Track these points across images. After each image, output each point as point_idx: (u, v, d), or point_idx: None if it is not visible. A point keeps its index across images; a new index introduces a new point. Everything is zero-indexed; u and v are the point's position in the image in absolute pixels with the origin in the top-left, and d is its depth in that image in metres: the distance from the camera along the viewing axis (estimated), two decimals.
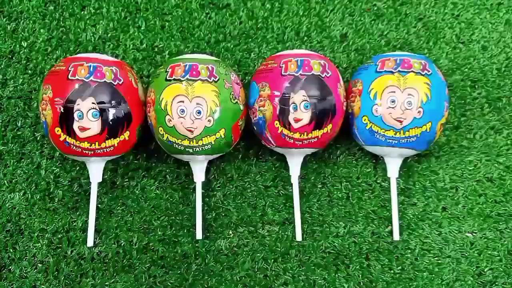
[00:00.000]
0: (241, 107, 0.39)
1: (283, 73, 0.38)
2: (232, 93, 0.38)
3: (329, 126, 0.39)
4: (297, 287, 0.42)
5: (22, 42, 0.46)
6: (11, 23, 0.47)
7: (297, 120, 0.38)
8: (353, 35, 0.47)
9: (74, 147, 0.37)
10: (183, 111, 0.36)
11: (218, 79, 0.37)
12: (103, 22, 0.47)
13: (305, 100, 0.38)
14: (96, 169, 0.40)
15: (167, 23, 0.47)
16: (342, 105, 0.40)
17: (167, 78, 0.37)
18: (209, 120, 0.37)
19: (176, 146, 0.38)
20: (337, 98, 0.39)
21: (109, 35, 0.46)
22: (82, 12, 0.47)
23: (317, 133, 0.39)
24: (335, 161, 0.45)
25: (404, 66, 0.38)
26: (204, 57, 0.39)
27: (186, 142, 0.38)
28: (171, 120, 0.37)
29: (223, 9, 0.47)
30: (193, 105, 0.36)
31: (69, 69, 0.37)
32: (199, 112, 0.37)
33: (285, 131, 0.38)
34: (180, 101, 0.37)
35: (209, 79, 0.37)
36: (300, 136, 0.39)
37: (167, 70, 0.38)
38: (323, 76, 0.38)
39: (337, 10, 0.48)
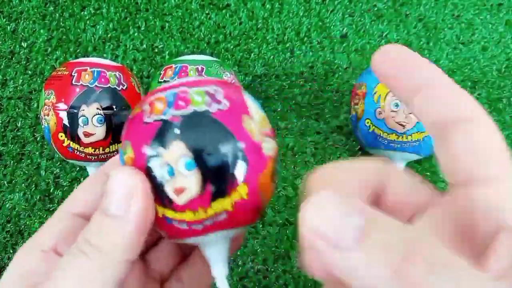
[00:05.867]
0: None
1: None
2: None
3: (242, 189, 0.19)
4: None
5: (22, 43, 0.46)
6: (11, 23, 0.47)
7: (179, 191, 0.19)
8: (353, 35, 0.47)
9: (78, 152, 0.37)
10: None
11: None
12: (103, 22, 0.47)
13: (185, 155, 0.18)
14: None
15: (167, 24, 0.47)
16: (258, 148, 0.19)
17: (159, 80, 0.38)
18: None
19: None
20: (243, 139, 0.19)
21: (109, 35, 0.46)
22: (82, 12, 0.47)
23: (220, 205, 0.19)
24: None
25: None
26: (199, 58, 0.39)
27: None
28: None
29: (223, 9, 0.47)
30: None
31: (72, 74, 0.37)
32: None
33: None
34: None
35: None
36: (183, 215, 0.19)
37: (161, 72, 0.38)
38: (212, 112, 0.19)
39: (337, 10, 0.48)
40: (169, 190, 0.18)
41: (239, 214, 0.19)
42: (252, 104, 0.20)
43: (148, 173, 0.18)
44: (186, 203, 0.18)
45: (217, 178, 0.18)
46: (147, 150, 0.18)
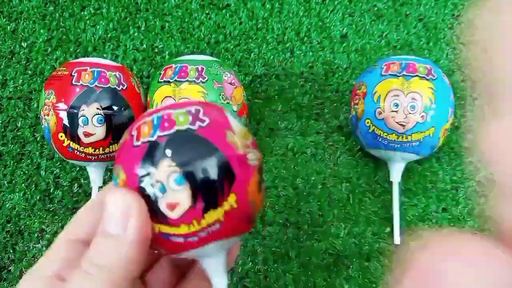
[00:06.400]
0: (235, 107, 0.39)
1: None
2: (222, 93, 0.38)
3: (231, 199, 0.19)
4: None
5: (22, 43, 0.46)
6: (11, 23, 0.47)
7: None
8: (353, 35, 0.47)
9: (78, 153, 0.37)
10: None
11: (207, 80, 0.37)
12: (103, 22, 0.47)
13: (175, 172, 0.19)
14: (97, 174, 0.40)
15: (167, 24, 0.47)
16: (243, 159, 0.20)
17: (159, 80, 0.38)
18: None
19: None
20: (228, 152, 0.20)
21: (109, 35, 0.46)
22: (82, 13, 0.47)
23: (212, 216, 0.19)
24: (335, 162, 0.45)
25: (409, 70, 0.38)
26: (199, 58, 0.39)
27: None
28: None
29: (223, 9, 0.47)
30: None
31: (72, 74, 0.37)
32: None
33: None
34: (168, 103, 0.37)
35: (196, 80, 0.37)
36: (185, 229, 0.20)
37: (161, 72, 0.38)
38: (195, 129, 0.20)
39: (337, 10, 0.48)
40: (162, 206, 0.19)
41: (231, 224, 0.20)
42: (233, 120, 0.21)
43: (141, 192, 0.19)
44: (180, 217, 0.19)
45: (206, 190, 0.19)
46: (138, 171, 0.19)
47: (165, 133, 0.20)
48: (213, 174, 0.19)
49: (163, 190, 0.19)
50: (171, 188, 0.19)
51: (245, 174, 0.20)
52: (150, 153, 0.19)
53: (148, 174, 0.19)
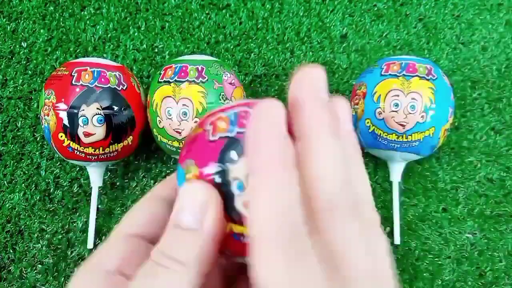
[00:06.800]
0: None
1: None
2: (222, 93, 0.38)
3: None
4: None
5: (22, 43, 0.46)
6: (11, 23, 0.47)
7: None
8: (353, 35, 0.47)
9: (78, 152, 0.37)
10: (170, 112, 0.37)
11: (207, 80, 0.37)
12: (103, 22, 0.47)
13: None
14: (97, 174, 0.40)
15: (167, 24, 0.47)
16: None
17: (159, 80, 0.38)
18: (195, 122, 0.37)
19: (169, 147, 0.38)
20: None
21: (109, 35, 0.46)
22: (82, 12, 0.47)
23: None
24: None
25: (409, 70, 0.38)
26: (199, 58, 0.39)
27: (176, 143, 0.38)
28: (161, 122, 0.37)
29: (223, 9, 0.47)
30: (180, 106, 0.36)
31: (73, 74, 0.37)
32: (185, 114, 0.37)
33: None
34: (168, 103, 0.37)
35: (196, 80, 0.37)
36: None
37: (161, 72, 0.38)
38: None
39: (337, 10, 0.48)
40: (238, 204, 0.18)
41: None
42: None
43: (217, 188, 0.18)
44: None
45: None
46: (215, 167, 0.18)
47: (244, 129, 0.19)
48: None
49: (241, 188, 0.18)
50: None
51: None
52: (228, 149, 0.19)
53: (225, 170, 0.18)
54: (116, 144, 0.38)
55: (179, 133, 0.37)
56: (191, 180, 0.19)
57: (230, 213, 0.18)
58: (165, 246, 0.17)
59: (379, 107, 0.38)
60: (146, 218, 0.21)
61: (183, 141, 0.36)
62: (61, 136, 0.37)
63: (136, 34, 0.47)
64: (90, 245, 0.41)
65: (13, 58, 0.46)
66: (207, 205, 0.17)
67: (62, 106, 0.36)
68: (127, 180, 0.44)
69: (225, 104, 0.21)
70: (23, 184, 0.44)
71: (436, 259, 0.43)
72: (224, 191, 0.18)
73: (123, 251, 0.19)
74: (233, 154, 0.19)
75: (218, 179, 0.18)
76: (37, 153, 0.44)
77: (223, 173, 0.18)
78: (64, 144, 0.37)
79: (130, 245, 0.20)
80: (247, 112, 0.20)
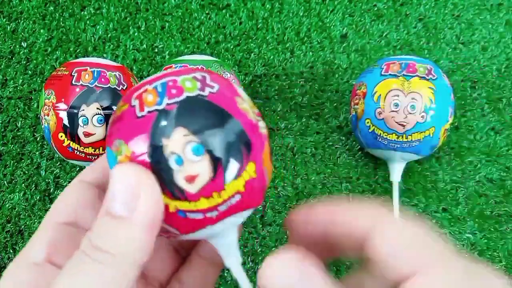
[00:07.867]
0: None
1: None
2: None
3: (250, 168, 0.18)
4: None
5: (22, 43, 0.46)
6: (11, 23, 0.47)
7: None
8: (353, 35, 0.47)
9: (78, 153, 0.37)
10: None
11: None
12: (103, 22, 0.47)
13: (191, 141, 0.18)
14: None
15: (167, 24, 0.47)
16: (256, 127, 0.19)
17: None
18: None
19: None
20: (242, 119, 0.19)
21: (109, 35, 0.46)
22: (82, 12, 0.47)
23: (233, 187, 0.18)
24: (335, 162, 0.45)
25: (409, 70, 0.38)
26: (199, 58, 0.39)
27: None
28: None
29: (223, 9, 0.47)
30: None
31: (73, 74, 0.37)
32: None
33: None
34: None
35: None
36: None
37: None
38: (206, 95, 0.18)
39: (337, 10, 0.48)
40: (179, 180, 0.17)
41: (250, 194, 0.18)
42: (238, 87, 0.20)
43: (153, 167, 0.17)
44: (200, 191, 0.17)
45: (227, 159, 0.17)
46: (148, 143, 0.17)
47: (174, 100, 0.17)
48: (233, 142, 0.17)
49: (180, 162, 0.17)
50: (189, 159, 0.17)
51: (260, 142, 0.19)
52: (160, 123, 0.17)
53: (160, 146, 0.17)
54: None
55: None
56: (122, 163, 0.17)
57: (172, 190, 0.17)
58: (94, 236, 0.16)
59: (379, 107, 0.38)
60: (74, 205, 0.20)
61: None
62: (61, 136, 0.37)
63: (136, 34, 0.47)
64: None
65: (13, 58, 0.46)
66: (139, 190, 0.16)
67: (62, 106, 0.36)
68: None
69: (152, 76, 0.19)
70: (23, 184, 0.44)
71: None
72: (162, 168, 0.17)
73: (50, 241, 0.18)
74: (166, 128, 0.17)
75: (153, 157, 0.17)
76: (37, 153, 0.44)
77: (158, 149, 0.17)
78: (64, 144, 0.37)
79: (60, 234, 0.19)
80: (176, 81, 0.18)
